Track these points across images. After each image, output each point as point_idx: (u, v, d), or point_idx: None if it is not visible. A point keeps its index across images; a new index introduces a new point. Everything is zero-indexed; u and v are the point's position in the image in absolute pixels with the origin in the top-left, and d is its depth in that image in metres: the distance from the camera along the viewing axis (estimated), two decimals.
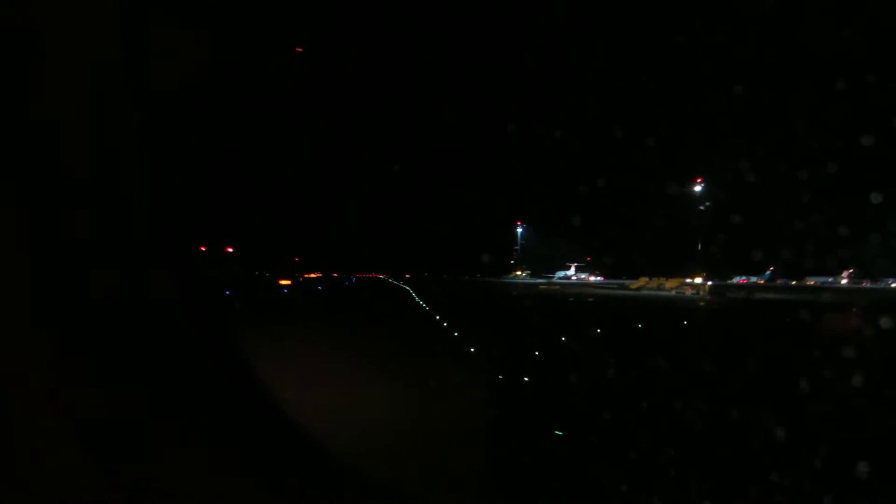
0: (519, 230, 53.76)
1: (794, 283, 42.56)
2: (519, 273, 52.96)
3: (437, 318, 18.50)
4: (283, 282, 33.18)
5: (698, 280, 35.03)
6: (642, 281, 38.97)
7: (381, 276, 49.84)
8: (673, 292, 35.43)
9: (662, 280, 38.49)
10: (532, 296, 31.87)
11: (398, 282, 42.09)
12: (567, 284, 43.72)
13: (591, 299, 29.38)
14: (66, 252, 1.90)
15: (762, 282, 41.90)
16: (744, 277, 43.21)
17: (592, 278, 52.67)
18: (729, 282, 37.99)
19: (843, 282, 41.16)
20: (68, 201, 1.91)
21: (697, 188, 37.05)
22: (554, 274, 51.47)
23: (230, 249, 45.58)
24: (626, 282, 40.60)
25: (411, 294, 27.81)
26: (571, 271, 51.38)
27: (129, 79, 2.05)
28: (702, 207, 34.67)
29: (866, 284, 37.81)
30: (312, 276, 44.43)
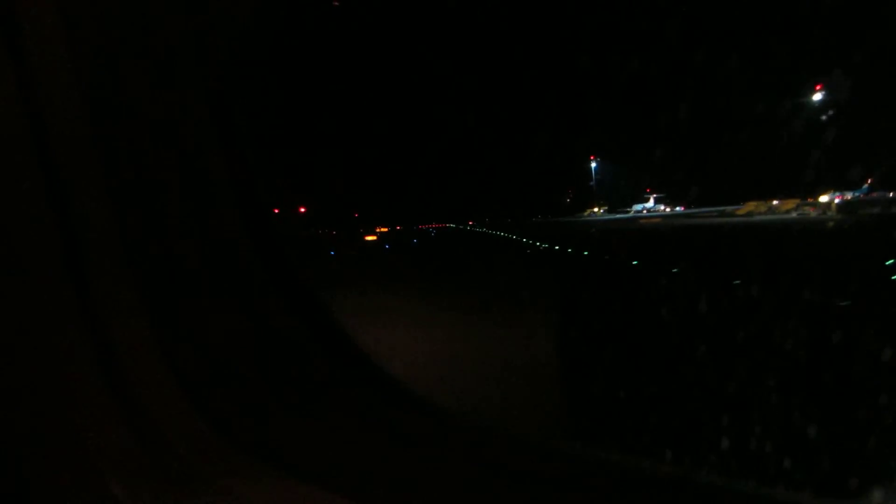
0: (592, 165, 50.23)
1: (892, 195, 39.09)
2: (596, 210, 49.65)
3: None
4: (370, 237, 30.68)
5: (823, 198, 31.44)
6: (750, 205, 35.44)
7: (451, 226, 47.11)
8: (794, 214, 31.95)
9: (772, 202, 34.93)
10: (656, 235, 28.28)
11: (473, 228, 39.08)
12: (667, 217, 40.29)
13: (721, 228, 26.09)
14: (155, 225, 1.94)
15: (848, 197, 38.54)
16: (839, 194, 39.89)
17: (667, 209, 49.18)
18: (856, 197, 34.32)
19: None
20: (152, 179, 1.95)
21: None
22: (631, 207, 48.15)
23: (303, 210, 43.30)
24: (724, 209, 37.23)
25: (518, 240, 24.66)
26: (650, 203, 47.98)
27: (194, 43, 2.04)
28: (823, 116, 30.86)
29: None
30: (382, 230, 42.13)
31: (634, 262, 14.06)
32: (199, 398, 1.87)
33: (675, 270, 11.93)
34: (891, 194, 38.24)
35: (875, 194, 38.53)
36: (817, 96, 31.79)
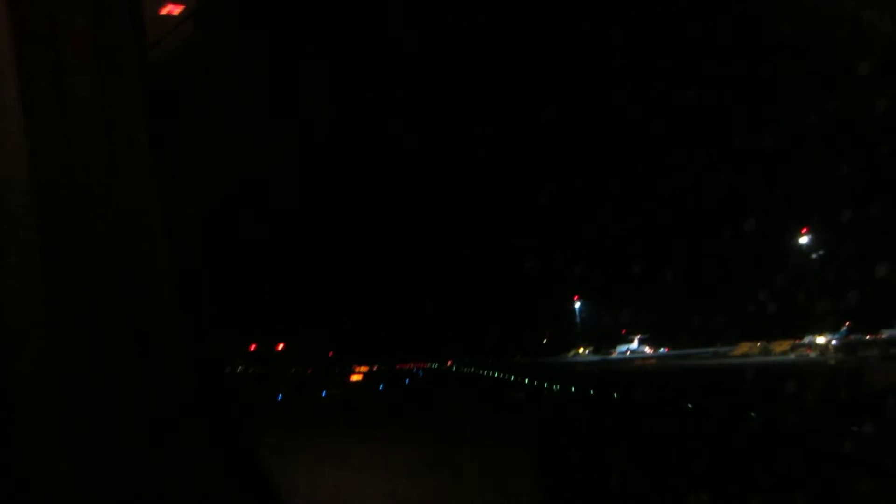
0: (576, 306, 49.89)
1: (867, 337, 39.27)
2: (581, 350, 48.69)
3: None
4: (355, 377, 29.12)
5: (820, 339, 31.11)
6: (744, 347, 34.90)
7: (434, 365, 45.47)
8: (792, 356, 31.41)
9: (765, 343, 34.51)
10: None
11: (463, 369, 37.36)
12: (662, 358, 39.39)
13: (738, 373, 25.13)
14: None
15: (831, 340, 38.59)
16: (817, 336, 39.97)
17: (648, 350, 48.50)
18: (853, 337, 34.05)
19: None
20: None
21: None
22: (615, 349, 47.39)
23: (281, 347, 41.34)
24: (716, 350, 36.65)
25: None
26: (634, 344, 47.32)
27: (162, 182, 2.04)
28: (814, 255, 31.23)
29: None
30: (363, 369, 40.31)
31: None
32: None
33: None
34: (867, 337, 38.38)
35: (851, 337, 38.64)
36: (803, 239, 32.46)
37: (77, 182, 1.88)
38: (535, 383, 22.19)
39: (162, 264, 1.99)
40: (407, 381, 29.18)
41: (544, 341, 58.41)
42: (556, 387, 20.35)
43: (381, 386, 25.26)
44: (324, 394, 21.84)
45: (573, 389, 19.23)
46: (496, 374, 28.79)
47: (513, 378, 25.62)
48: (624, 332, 50.93)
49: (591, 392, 17.67)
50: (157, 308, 1.98)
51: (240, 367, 32.65)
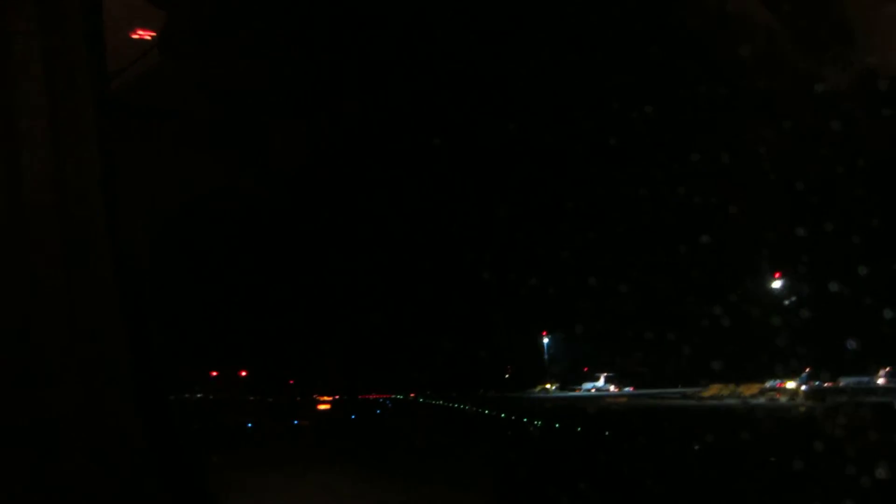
0: (545, 341, 49.65)
1: (827, 384, 39.89)
2: (548, 386, 48.34)
3: None
4: (323, 406, 28.41)
5: (790, 384, 31.38)
6: (714, 389, 35.05)
7: (399, 396, 44.60)
8: (762, 399, 31.59)
9: (733, 386, 34.70)
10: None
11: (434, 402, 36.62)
12: (633, 396, 39.31)
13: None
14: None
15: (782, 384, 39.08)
16: (779, 381, 40.47)
17: (613, 388, 48.50)
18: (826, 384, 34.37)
19: (880, 381, 38.73)
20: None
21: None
22: (580, 385, 47.30)
23: (243, 373, 39.87)
24: (685, 391, 36.69)
25: None
26: (601, 382, 47.29)
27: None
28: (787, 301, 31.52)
29: None
30: (326, 398, 39.38)
31: None
32: None
33: None
34: (826, 384, 38.99)
35: (812, 382, 39.18)
36: (776, 284, 32.83)
37: (20, 192, 1.73)
38: (514, 418, 21.68)
39: (108, 281, 1.86)
40: (378, 411, 28.61)
41: (507, 375, 57.87)
42: (537, 422, 19.91)
43: (353, 416, 24.62)
44: (295, 422, 21.20)
45: (557, 426, 18.81)
46: (469, 408, 28.17)
47: (487, 412, 25.08)
48: (586, 369, 50.84)
49: (579, 429, 17.26)
50: (100, 324, 1.83)
51: (199, 394, 31.46)
